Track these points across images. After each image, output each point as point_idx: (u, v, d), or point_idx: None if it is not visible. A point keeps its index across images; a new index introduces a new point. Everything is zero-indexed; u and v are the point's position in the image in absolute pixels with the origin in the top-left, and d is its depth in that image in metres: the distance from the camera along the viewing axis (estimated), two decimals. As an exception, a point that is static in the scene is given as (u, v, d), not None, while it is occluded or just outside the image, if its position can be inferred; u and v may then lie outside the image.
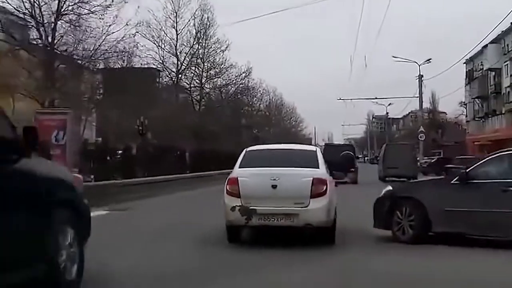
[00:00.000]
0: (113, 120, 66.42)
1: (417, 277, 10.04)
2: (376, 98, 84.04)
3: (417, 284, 9.67)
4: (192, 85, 72.21)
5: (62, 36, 41.87)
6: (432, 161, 69.90)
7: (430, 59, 72.48)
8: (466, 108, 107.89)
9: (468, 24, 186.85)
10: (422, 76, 72.97)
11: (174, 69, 70.59)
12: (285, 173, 13.02)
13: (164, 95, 71.95)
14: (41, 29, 40.94)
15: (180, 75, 70.52)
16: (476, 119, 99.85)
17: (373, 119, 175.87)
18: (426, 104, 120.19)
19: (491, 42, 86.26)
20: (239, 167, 13.69)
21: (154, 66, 69.17)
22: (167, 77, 71.95)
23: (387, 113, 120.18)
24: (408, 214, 14.00)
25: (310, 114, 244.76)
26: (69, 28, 42.07)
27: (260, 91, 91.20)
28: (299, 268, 10.88)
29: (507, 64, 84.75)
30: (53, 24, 41.06)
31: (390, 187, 15.35)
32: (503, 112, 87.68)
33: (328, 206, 12.96)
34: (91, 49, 44.19)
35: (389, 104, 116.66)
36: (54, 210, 7.84)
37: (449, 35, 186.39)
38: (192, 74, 71.89)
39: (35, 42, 42.10)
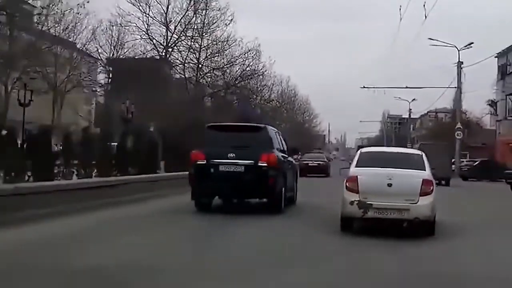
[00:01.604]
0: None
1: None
2: (406, 88, 69.60)
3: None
4: (185, 62, 58.15)
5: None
6: (475, 164, 56.26)
7: (472, 43, 59.22)
8: (495, 106, 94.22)
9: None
10: (462, 63, 59.34)
11: (162, 41, 56.77)
12: (399, 174, 14.65)
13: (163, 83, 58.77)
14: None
15: (170, 49, 56.75)
16: (509, 118, 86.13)
17: (388, 118, 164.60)
18: (450, 102, 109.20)
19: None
20: (356, 166, 15.35)
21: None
22: (153, 51, 58.09)
23: (410, 109, 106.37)
24: None
25: (324, 110, 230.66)
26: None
27: (271, 76, 77.20)
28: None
29: (552, 56, 71.37)
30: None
31: None
32: (544, 110, 74.67)
33: (433, 203, 14.63)
34: None
35: (412, 100, 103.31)
36: (294, 173, 22.58)
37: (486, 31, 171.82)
38: (186, 50, 57.81)
39: None
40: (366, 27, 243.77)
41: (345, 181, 15.00)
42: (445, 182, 42.88)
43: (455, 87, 61.24)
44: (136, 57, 59.86)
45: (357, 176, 14.69)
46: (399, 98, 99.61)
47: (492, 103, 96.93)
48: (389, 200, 14.28)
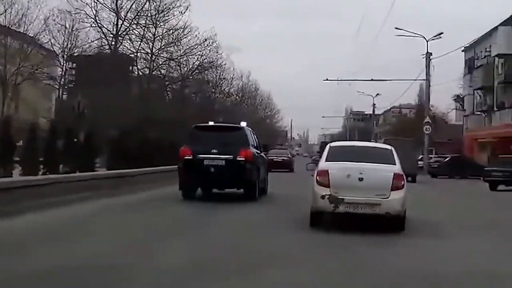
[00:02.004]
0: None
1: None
2: (372, 80, 65.99)
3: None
4: (137, 51, 54.31)
5: None
6: (445, 160, 53.23)
7: (441, 33, 55.77)
8: (462, 101, 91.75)
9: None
10: (430, 54, 56.23)
11: (112, 30, 52.74)
12: (370, 168, 14.35)
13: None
14: None
15: (121, 38, 52.83)
16: (477, 113, 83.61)
17: (351, 114, 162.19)
18: (414, 97, 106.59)
19: (502, 24, 70.44)
20: (326, 161, 14.99)
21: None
22: (103, 40, 53.93)
23: (374, 104, 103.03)
24: None
25: (287, 106, 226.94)
26: None
27: (230, 70, 73.61)
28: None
29: (524, 48, 68.64)
30: None
31: None
32: (515, 104, 71.87)
33: (404, 198, 14.29)
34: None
35: (376, 95, 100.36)
36: (265, 167, 24.90)
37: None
38: (139, 40, 53.85)
39: None
40: (333, 25, 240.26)
41: (315, 175, 14.73)
42: (411, 178, 40.25)
43: (423, 79, 58.01)
44: (96, 53, 56.07)
45: (328, 170, 14.47)
46: (363, 92, 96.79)
47: (458, 98, 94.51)
48: (360, 194, 14.11)
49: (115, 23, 52.03)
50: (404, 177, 14.59)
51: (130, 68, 58.92)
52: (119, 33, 52.11)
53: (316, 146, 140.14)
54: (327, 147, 16.22)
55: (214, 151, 21.03)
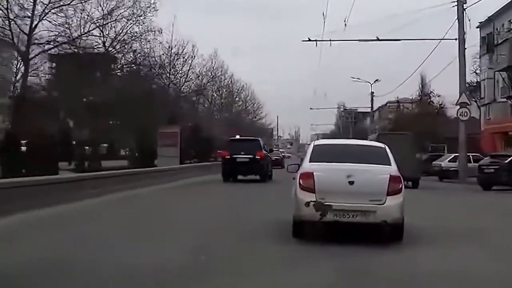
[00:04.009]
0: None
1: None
2: (377, 40, 43.99)
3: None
4: None
5: None
6: (507, 161, 31.32)
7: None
8: (476, 89, 71.93)
9: None
10: (464, 2, 35.86)
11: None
12: (362, 170, 11.89)
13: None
14: None
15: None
16: (501, 100, 63.60)
17: (342, 112, 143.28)
18: (415, 88, 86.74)
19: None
20: (310, 161, 12.38)
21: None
22: None
23: (372, 92, 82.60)
24: None
25: (275, 104, 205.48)
26: None
27: (180, 45, 53.65)
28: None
29: None
30: None
31: None
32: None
33: (403, 203, 11.89)
34: None
35: (375, 81, 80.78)
36: (271, 162, 38.74)
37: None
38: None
39: None
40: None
41: (298, 178, 11.97)
42: (412, 183, 31.24)
43: (455, 39, 37.18)
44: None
45: (313, 173, 11.81)
46: (358, 79, 77.93)
47: (469, 86, 74.82)
48: (351, 200, 11.49)
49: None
50: (402, 179, 11.88)
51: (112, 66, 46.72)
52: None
53: (308, 146, 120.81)
54: (311, 145, 13.52)
55: (242, 153, 33.07)
